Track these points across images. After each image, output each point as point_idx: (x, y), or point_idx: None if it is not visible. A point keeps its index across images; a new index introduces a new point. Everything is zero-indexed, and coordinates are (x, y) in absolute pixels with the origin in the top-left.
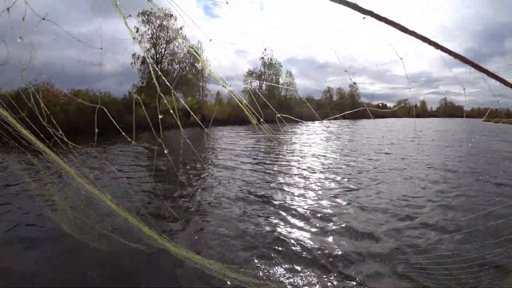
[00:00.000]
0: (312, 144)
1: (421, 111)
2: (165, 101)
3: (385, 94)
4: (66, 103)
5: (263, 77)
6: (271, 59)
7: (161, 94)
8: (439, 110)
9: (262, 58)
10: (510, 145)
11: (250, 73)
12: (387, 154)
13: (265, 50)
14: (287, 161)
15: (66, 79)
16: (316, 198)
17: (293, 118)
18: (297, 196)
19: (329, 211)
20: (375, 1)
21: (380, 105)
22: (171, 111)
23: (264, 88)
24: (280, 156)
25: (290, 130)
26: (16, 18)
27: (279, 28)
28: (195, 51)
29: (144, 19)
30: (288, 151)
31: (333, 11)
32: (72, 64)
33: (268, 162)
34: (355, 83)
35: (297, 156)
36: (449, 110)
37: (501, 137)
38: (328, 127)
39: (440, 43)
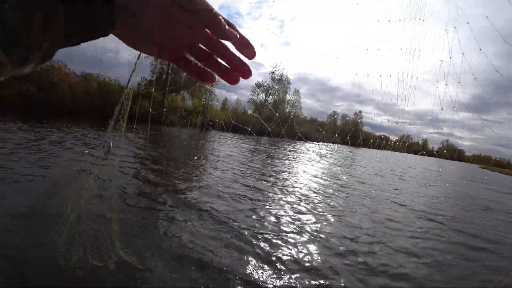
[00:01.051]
0: (297, 162)
1: (422, 149)
2: (172, 99)
3: (389, 127)
4: (76, 84)
5: (270, 91)
6: (281, 75)
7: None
8: (440, 151)
9: (272, 72)
10: (497, 194)
11: (259, 86)
12: (362, 184)
13: (275, 65)
14: (263, 174)
15: (82, 61)
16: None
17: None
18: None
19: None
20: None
21: (383, 136)
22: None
23: (269, 101)
24: (262, 169)
25: (285, 146)
26: None
27: (295, 45)
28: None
29: None
30: (271, 165)
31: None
32: (90, 48)
33: (249, 172)
34: (360, 111)
35: (275, 171)
36: (450, 152)
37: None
38: (321, 149)
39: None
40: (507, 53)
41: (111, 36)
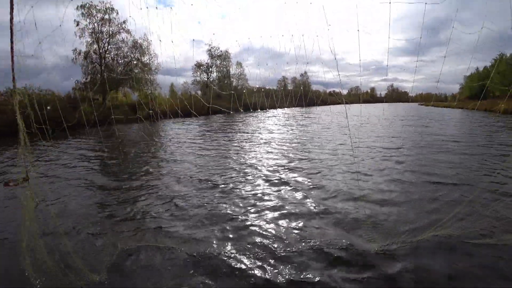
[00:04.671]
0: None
1: (370, 97)
2: (114, 96)
3: (339, 82)
4: (3, 103)
5: (210, 69)
6: (220, 51)
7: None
8: (387, 96)
9: (209, 50)
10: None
11: (198, 65)
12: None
13: (211, 42)
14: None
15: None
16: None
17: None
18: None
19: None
20: None
21: (332, 92)
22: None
23: (213, 79)
24: (219, 141)
25: (239, 119)
26: None
27: (233, 16)
28: (140, 45)
29: (84, 12)
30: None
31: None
32: (3, 58)
33: (208, 147)
34: (305, 72)
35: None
36: (396, 96)
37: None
38: (270, 116)
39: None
40: None
41: (28, 42)
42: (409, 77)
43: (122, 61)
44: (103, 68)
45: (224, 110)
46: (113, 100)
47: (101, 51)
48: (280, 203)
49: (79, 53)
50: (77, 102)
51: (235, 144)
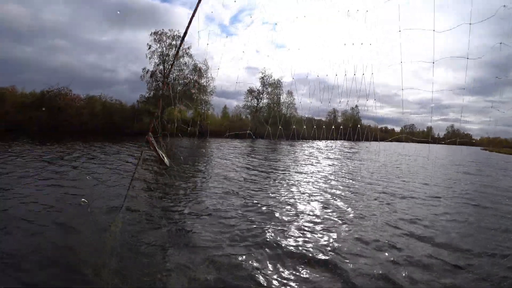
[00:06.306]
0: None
1: (426, 137)
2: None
3: (393, 118)
4: (82, 107)
5: (261, 95)
6: (273, 79)
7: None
8: (446, 137)
9: (261, 78)
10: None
11: (250, 91)
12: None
13: (264, 71)
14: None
15: (83, 82)
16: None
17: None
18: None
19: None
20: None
21: (384, 128)
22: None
23: (262, 105)
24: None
25: (282, 146)
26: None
27: (291, 46)
28: (199, 69)
29: (156, 38)
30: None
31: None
32: (89, 69)
33: (247, 168)
34: (356, 106)
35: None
36: (456, 138)
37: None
38: (315, 147)
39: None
40: (502, 32)
41: (107, 56)
42: (473, 118)
43: (182, 81)
44: (165, 86)
45: (270, 136)
46: (169, 115)
47: (165, 71)
48: (327, 238)
49: (147, 72)
50: (139, 113)
51: (272, 170)
